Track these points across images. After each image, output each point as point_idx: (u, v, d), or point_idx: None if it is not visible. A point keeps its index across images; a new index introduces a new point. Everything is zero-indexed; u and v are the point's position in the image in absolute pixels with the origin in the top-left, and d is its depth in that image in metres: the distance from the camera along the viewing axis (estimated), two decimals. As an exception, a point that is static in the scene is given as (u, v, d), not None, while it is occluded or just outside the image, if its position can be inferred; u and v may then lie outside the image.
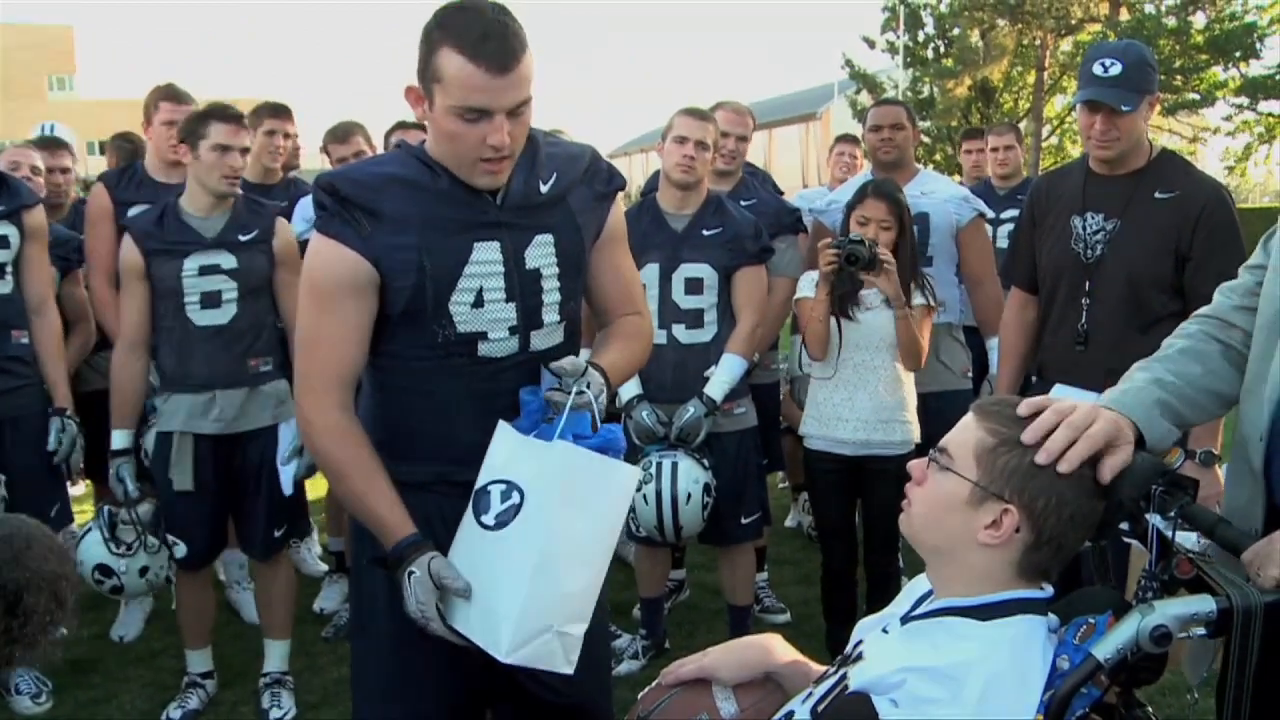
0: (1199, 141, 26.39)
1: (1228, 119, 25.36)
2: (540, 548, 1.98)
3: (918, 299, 3.73)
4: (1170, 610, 1.47)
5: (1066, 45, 26.49)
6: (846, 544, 4.00)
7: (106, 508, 3.64)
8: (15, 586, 1.18)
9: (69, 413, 3.87)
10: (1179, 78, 24.33)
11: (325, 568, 5.12)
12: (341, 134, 4.82)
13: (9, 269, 3.84)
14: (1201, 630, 1.50)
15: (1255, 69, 23.96)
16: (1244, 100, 24.27)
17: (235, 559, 4.67)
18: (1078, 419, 1.55)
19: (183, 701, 3.81)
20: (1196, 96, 24.66)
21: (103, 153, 5.80)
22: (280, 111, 4.88)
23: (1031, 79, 26.99)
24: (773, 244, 4.00)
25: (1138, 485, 1.59)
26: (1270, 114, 24.39)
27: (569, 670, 2.05)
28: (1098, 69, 3.14)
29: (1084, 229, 3.27)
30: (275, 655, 3.94)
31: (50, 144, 4.68)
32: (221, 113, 3.59)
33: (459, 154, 2.07)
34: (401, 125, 4.83)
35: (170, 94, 4.40)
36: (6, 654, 1.17)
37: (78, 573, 1.30)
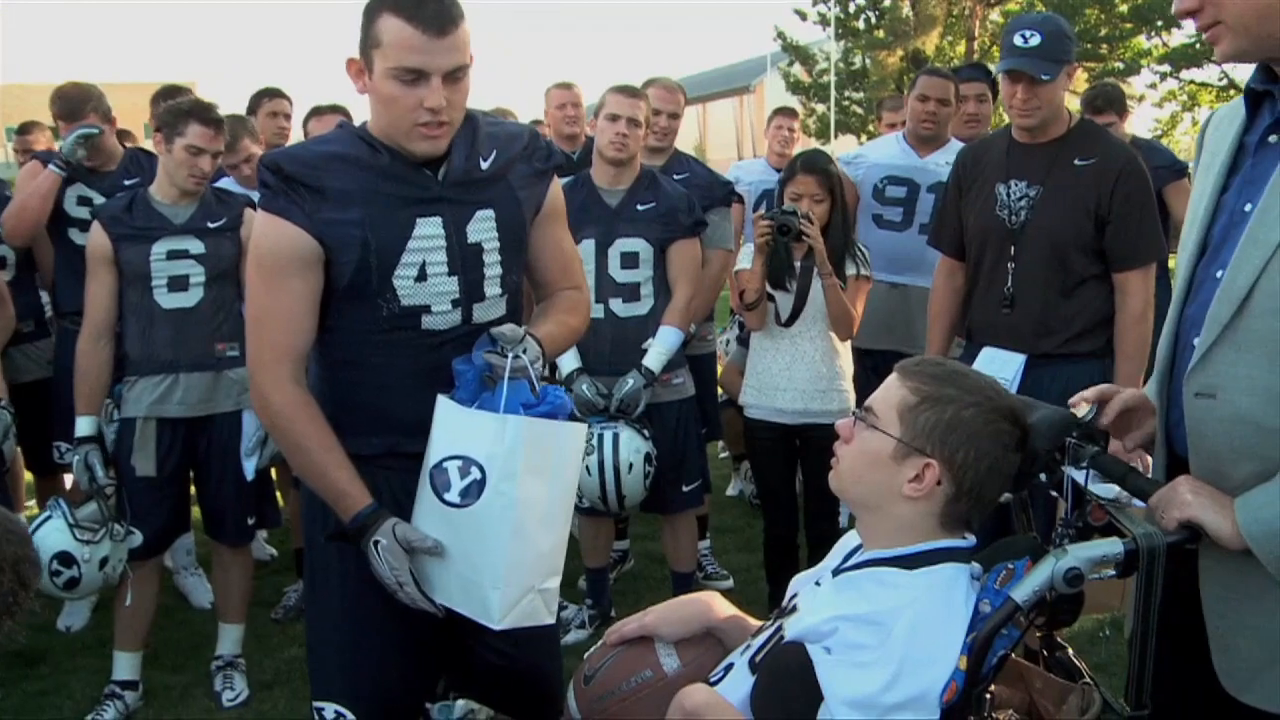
0: (1126, 110, 26.79)
1: (1152, 86, 25.79)
2: (512, 519, 2.06)
3: (850, 269, 3.83)
4: (1082, 553, 1.57)
5: (995, 15, 26.77)
6: (788, 510, 4.10)
7: (61, 500, 3.61)
8: None
9: (3, 402, 3.84)
10: (1104, 46, 24.69)
11: (273, 551, 5.13)
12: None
13: None
14: (1111, 571, 1.60)
15: (1177, 38, 24.40)
16: (1167, 68, 24.71)
17: (183, 544, 4.67)
18: None
19: (98, 715, 3.69)
20: (1121, 65, 25.04)
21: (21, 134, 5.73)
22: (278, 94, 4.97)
23: (962, 49, 27.24)
24: (706, 217, 4.06)
25: (1052, 437, 1.69)
26: (1192, 82, 24.88)
27: (551, 620, 2.17)
28: (1018, 40, 3.25)
29: (1008, 196, 3.37)
30: (229, 639, 3.96)
31: None
32: (202, 114, 3.60)
33: (397, 118, 2.11)
34: (317, 111, 4.87)
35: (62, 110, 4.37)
36: None
37: (38, 556, 1.33)
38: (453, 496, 2.10)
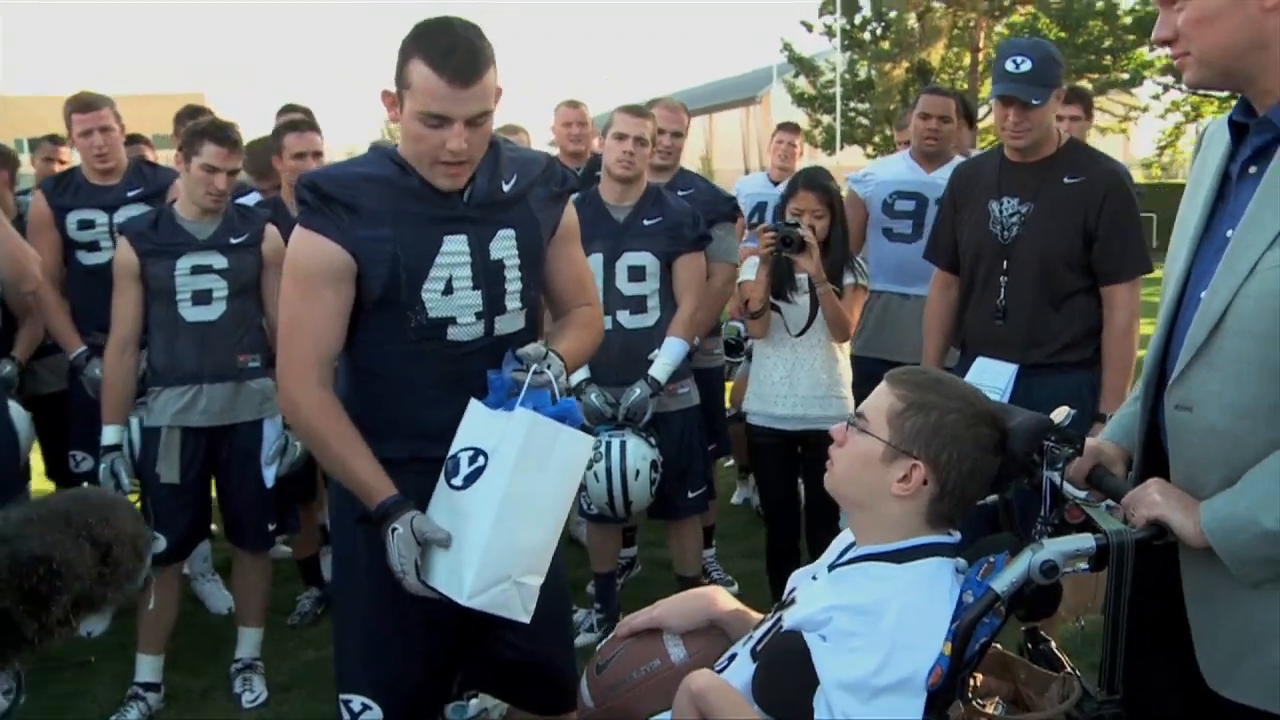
0: (1130, 120, 26.91)
1: (1155, 98, 25.91)
2: (499, 503, 2.18)
3: (848, 279, 3.97)
4: (1056, 547, 1.70)
5: (1000, 28, 26.90)
6: (790, 516, 4.22)
7: None
8: (106, 540, 1.40)
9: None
10: (1108, 57, 24.83)
11: (288, 550, 5.24)
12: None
13: None
14: (1084, 565, 1.72)
15: (1179, 49, 24.45)
16: (1170, 79, 24.83)
17: (200, 551, 4.79)
18: None
19: (121, 715, 3.82)
20: (1125, 76, 25.18)
21: (33, 150, 5.86)
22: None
23: (968, 60, 27.39)
24: (710, 231, 4.19)
25: (1029, 440, 1.82)
26: (1195, 93, 24.97)
27: (526, 619, 2.25)
28: (1009, 65, 3.38)
29: (1000, 212, 3.49)
30: (248, 642, 4.08)
31: None
32: (217, 134, 3.71)
33: (421, 155, 2.27)
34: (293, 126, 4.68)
35: (80, 105, 4.45)
36: (100, 594, 1.38)
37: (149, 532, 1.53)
38: (457, 481, 2.24)
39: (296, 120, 4.67)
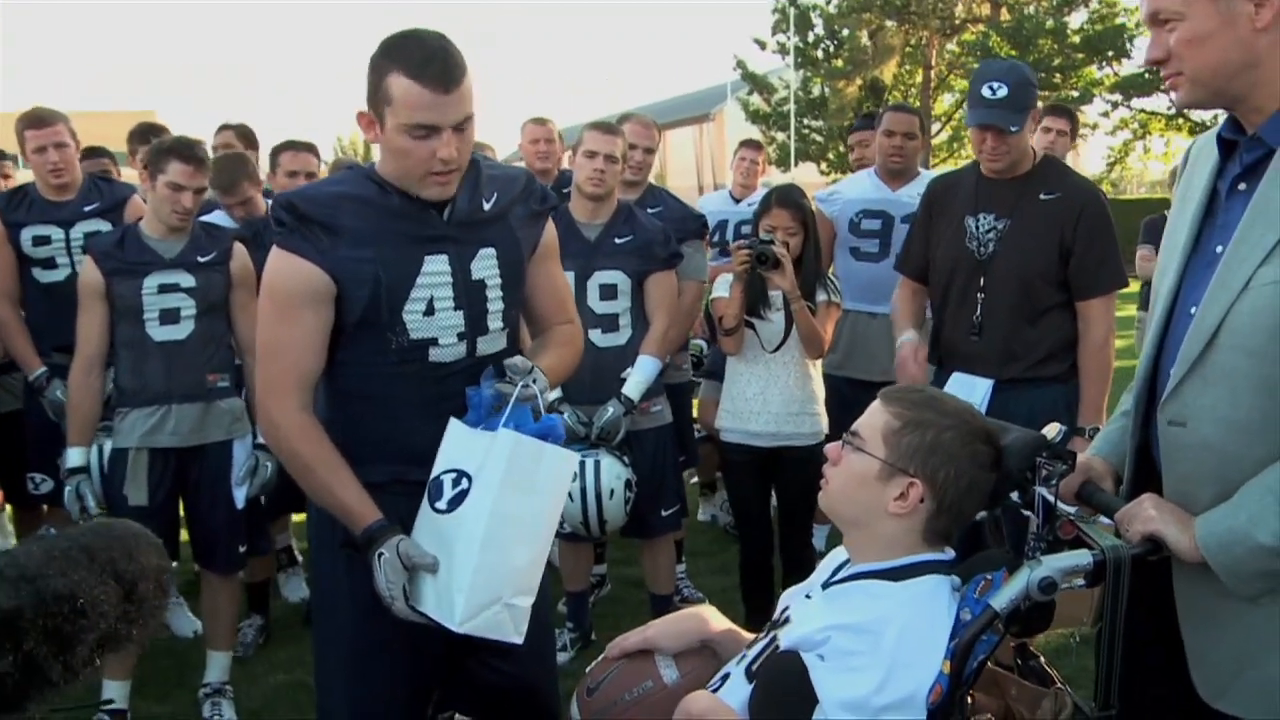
0: (1080, 137, 27.34)
1: (1105, 115, 26.37)
2: (486, 525, 2.15)
3: (821, 296, 3.98)
4: (1055, 564, 1.71)
5: (952, 45, 27.26)
6: (763, 532, 4.23)
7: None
8: (131, 577, 1.37)
9: None
10: (1058, 75, 25.22)
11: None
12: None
13: None
14: (1081, 581, 1.73)
15: (1128, 68, 24.98)
16: (1118, 97, 25.28)
17: (164, 574, 4.68)
18: None
19: None
20: (1075, 94, 25.60)
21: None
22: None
23: (920, 78, 27.72)
24: (680, 249, 4.19)
25: (1024, 457, 1.83)
26: (1143, 110, 25.46)
27: (519, 640, 2.22)
28: (986, 91, 3.39)
29: (977, 228, 3.51)
30: (217, 666, 4.00)
31: None
32: (183, 151, 3.65)
33: (410, 169, 2.23)
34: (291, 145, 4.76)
35: (33, 121, 4.40)
36: (125, 632, 1.35)
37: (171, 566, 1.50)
38: (441, 505, 2.21)
39: (295, 140, 4.70)
